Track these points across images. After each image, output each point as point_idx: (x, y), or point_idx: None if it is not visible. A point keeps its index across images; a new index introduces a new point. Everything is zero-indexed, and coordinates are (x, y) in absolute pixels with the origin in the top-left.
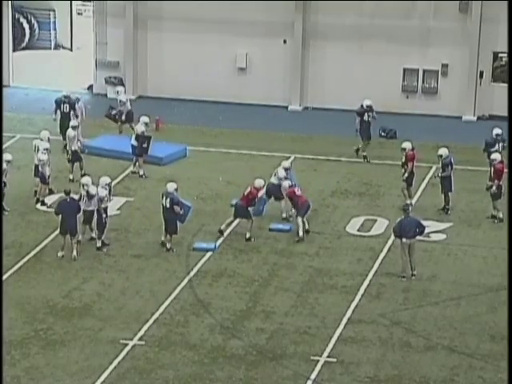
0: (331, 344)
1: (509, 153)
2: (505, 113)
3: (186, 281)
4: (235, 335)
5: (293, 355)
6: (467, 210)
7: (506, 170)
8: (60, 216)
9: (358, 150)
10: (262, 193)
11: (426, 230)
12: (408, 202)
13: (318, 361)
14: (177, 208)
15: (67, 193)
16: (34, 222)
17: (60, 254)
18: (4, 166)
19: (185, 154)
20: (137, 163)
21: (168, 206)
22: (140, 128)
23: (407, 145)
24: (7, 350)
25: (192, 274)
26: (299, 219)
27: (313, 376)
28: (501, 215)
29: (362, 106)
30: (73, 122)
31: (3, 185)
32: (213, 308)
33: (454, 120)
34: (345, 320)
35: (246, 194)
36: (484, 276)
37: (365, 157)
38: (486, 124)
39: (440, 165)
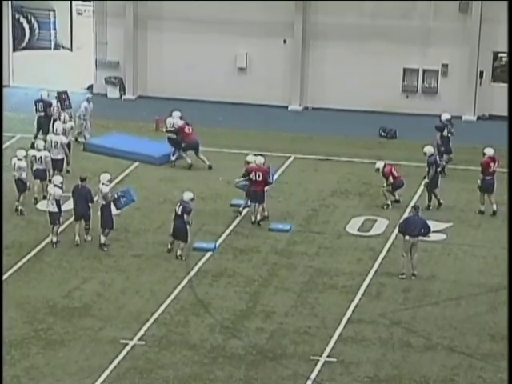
0: (331, 344)
1: (509, 153)
2: (505, 113)
3: (185, 281)
4: (235, 335)
5: (293, 355)
6: (467, 210)
7: (492, 165)
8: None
9: (443, 169)
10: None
11: None
12: (388, 202)
13: (317, 361)
14: (186, 217)
15: (82, 179)
16: (34, 222)
17: (76, 238)
18: (23, 163)
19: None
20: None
21: (180, 213)
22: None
23: (379, 165)
24: (7, 350)
25: (192, 274)
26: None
27: (313, 376)
28: (495, 207)
29: (440, 120)
30: (64, 116)
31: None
32: (213, 308)
33: (454, 120)
34: (345, 320)
35: (256, 179)
36: (484, 276)
37: (442, 171)
38: (486, 124)
39: (426, 164)
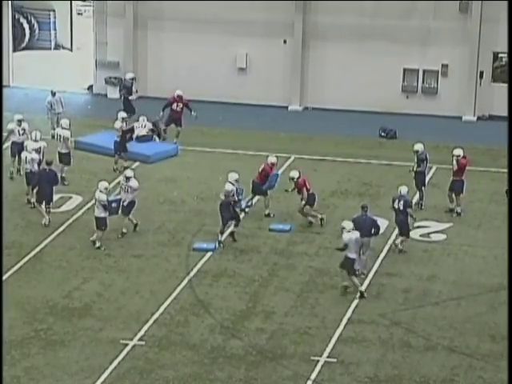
0: (331, 344)
1: (509, 153)
2: (505, 113)
3: (186, 281)
4: (235, 335)
5: (293, 355)
6: (467, 210)
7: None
8: (37, 185)
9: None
10: (274, 169)
11: (426, 230)
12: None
13: (318, 361)
14: (410, 210)
15: (49, 163)
16: (34, 222)
17: (44, 220)
18: (35, 155)
19: (176, 153)
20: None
21: (402, 208)
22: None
23: (294, 174)
24: (7, 350)
25: (192, 274)
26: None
27: (313, 376)
28: (459, 210)
29: None
30: (122, 114)
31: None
32: (213, 308)
33: (454, 120)
34: (345, 320)
35: (260, 171)
36: (484, 276)
37: None
38: (485, 124)
39: (415, 160)
